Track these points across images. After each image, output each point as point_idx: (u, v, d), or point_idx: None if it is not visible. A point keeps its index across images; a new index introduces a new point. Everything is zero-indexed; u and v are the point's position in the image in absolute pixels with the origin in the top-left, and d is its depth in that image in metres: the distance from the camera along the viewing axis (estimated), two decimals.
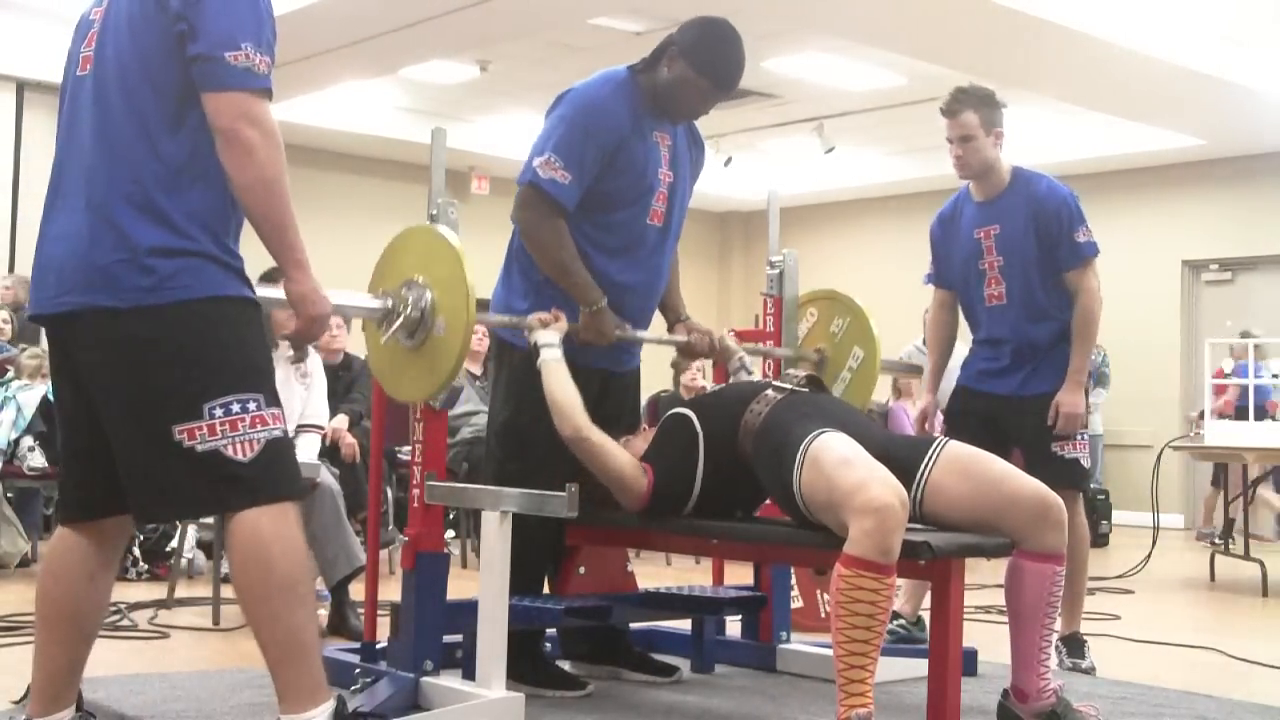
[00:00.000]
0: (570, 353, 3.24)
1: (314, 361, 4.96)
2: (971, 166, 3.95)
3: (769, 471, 2.88)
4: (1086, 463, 3.95)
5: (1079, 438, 3.91)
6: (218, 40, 2.23)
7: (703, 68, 3.24)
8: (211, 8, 2.24)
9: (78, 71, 2.42)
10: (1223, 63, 8.12)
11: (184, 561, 5.49)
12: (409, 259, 3.04)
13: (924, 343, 4.39)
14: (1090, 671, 3.82)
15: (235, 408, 2.27)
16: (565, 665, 3.52)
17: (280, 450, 2.33)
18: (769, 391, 3.03)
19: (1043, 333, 3.90)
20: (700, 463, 3.03)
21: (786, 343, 3.96)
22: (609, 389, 3.38)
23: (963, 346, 4.21)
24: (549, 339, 3.18)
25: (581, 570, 3.54)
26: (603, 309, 3.23)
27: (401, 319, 2.94)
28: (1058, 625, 3.94)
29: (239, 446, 2.27)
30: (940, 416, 4.27)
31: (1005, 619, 2.93)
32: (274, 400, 2.34)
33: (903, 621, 4.16)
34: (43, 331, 2.55)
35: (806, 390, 3.06)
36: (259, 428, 2.29)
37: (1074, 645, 3.91)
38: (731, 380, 3.52)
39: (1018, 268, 3.90)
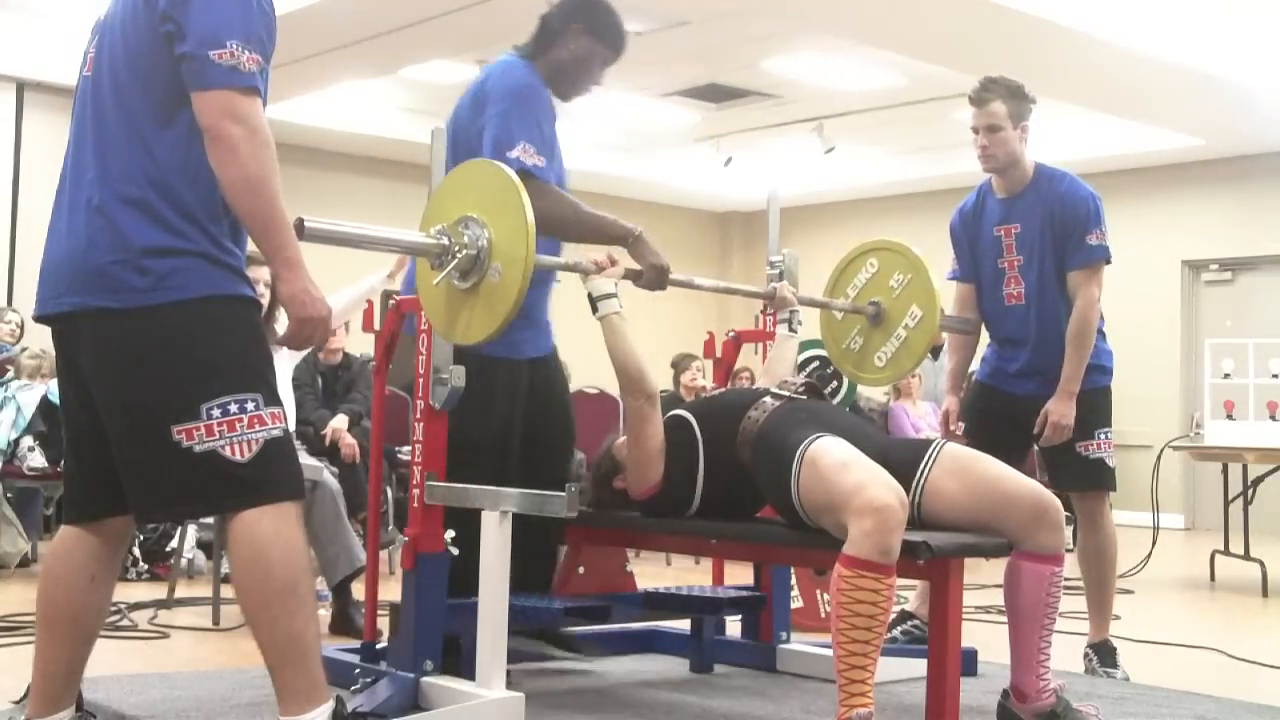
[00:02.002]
0: (492, 348, 2.97)
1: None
2: (996, 159, 3.86)
3: (767, 477, 2.88)
4: (1112, 463, 3.89)
5: (1104, 437, 3.86)
6: (202, 39, 2.23)
7: (609, 38, 3.30)
8: (197, 6, 2.24)
9: (84, 72, 2.43)
10: (1223, 63, 8.10)
11: (184, 561, 5.49)
12: (466, 195, 2.84)
13: None
14: (1125, 680, 3.72)
15: (233, 408, 2.27)
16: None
17: (279, 450, 2.32)
18: (767, 399, 3.02)
19: (1059, 336, 3.83)
20: (701, 470, 3.03)
21: None
22: (538, 374, 3.31)
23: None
24: (606, 288, 2.96)
25: (581, 570, 3.54)
26: (643, 235, 3.15)
27: (457, 260, 2.75)
28: (1086, 629, 3.93)
29: (237, 447, 2.27)
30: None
31: (1005, 619, 2.93)
32: (273, 399, 2.34)
33: (917, 622, 4.08)
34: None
35: (804, 398, 3.06)
36: (257, 428, 2.29)
37: (1105, 653, 3.83)
38: (775, 332, 3.52)
39: (1035, 268, 3.85)
